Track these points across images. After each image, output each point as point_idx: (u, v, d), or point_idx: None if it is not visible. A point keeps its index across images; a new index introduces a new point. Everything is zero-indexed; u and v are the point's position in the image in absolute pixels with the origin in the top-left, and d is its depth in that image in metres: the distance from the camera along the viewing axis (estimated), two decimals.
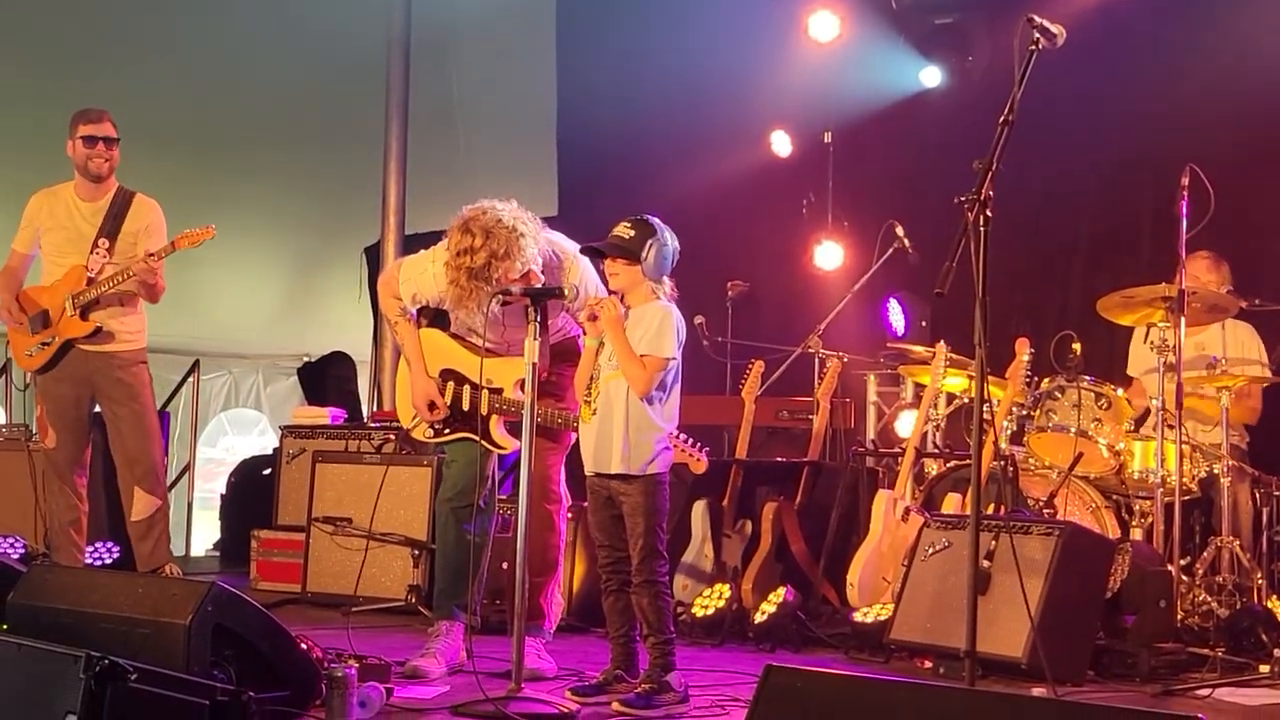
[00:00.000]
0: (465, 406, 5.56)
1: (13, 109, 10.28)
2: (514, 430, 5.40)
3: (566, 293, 5.08)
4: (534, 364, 4.83)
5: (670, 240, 5.00)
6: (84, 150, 6.85)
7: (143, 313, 6.96)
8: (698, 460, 5.19)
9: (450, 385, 5.60)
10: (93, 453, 7.05)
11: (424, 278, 5.49)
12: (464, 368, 5.58)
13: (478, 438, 5.46)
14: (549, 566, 5.59)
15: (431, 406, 5.56)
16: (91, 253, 6.82)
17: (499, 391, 5.50)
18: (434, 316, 5.77)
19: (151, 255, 6.68)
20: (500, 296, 5.14)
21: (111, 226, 6.87)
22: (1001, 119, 4.32)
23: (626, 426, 4.93)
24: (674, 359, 4.94)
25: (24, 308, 6.89)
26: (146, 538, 6.91)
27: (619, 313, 4.99)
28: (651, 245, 4.94)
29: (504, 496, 6.48)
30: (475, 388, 5.52)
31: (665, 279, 5.04)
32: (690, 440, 5.18)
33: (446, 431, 5.61)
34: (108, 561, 7.78)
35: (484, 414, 5.49)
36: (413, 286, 5.54)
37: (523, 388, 4.95)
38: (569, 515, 6.28)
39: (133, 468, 6.88)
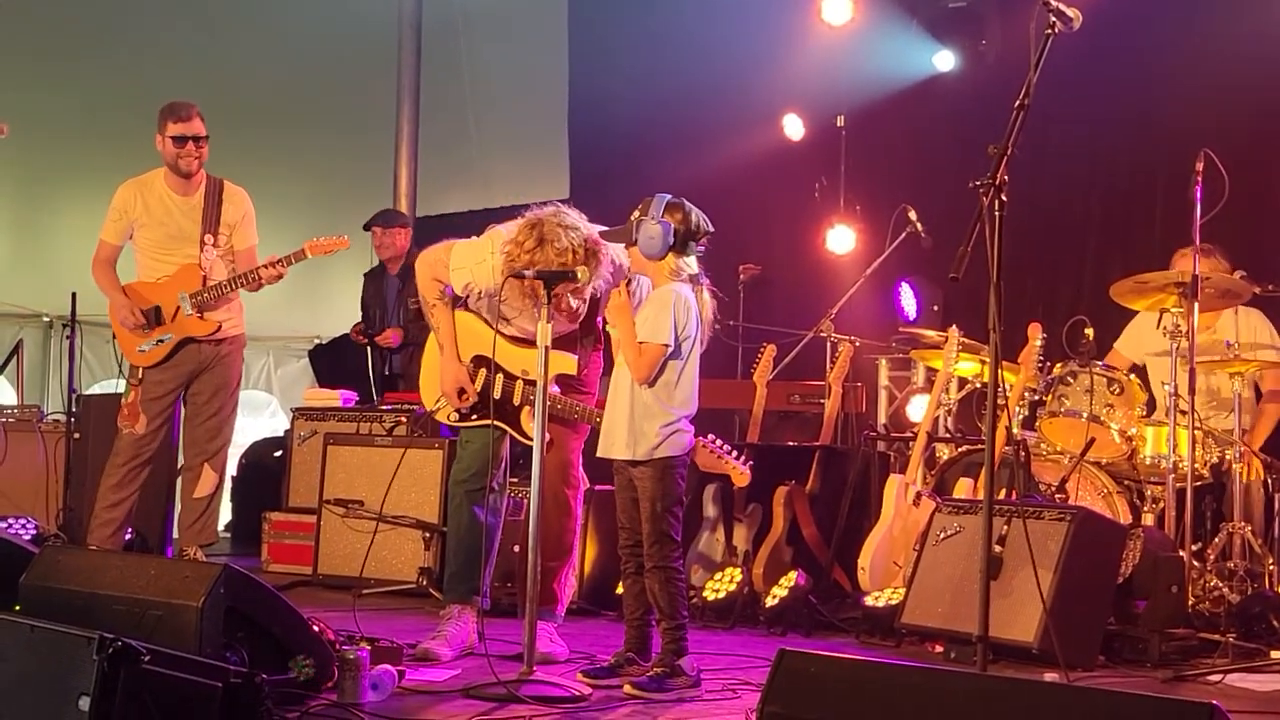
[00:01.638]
0: (496, 395, 5.48)
1: (22, 89, 10.27)
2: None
3: (579, 276, 4.98)
4: (547, 346, 4.79)
5: (667, 219, 4.88)
6: (174, 149, 6.86)
7: (240, 299, 7.03)
8: (740, 472, 5.17)
9: (482, 372, 5.52)
10: None
11: (482, 268, 5.35)
12: (499, 355, 5.47)
13: (506, 427, 5.43)
14: (564, 551, 5.56)
15: (461, 393, 5.49)
16: (201, 251, 6.88)
17: (533, 383, 5.34)
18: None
19: (280, 261, 6.74)
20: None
21: (212, 220, 6.93)
22: (1017, 103, 4.31)
23: (631, 413, 4.92)
24: (668, 344, 4.86)
25: (134, 304, 6.88)
26: (204, 515, 6.98)
27: (622, 300, 4.98)
28: (640, 225, 4.90)
29: (515, 480, 6.50)
30: (509, 376, 5.46)
31: (684, 257, 4.97)
32: (733, 450, 5.16)
33: (474, 417, 5.54)
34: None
35: (516, 404, 5.45)
36: (467, 276, 5.39)
37: (558, 382, 4.94)
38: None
39: (209, 444, 6.96)
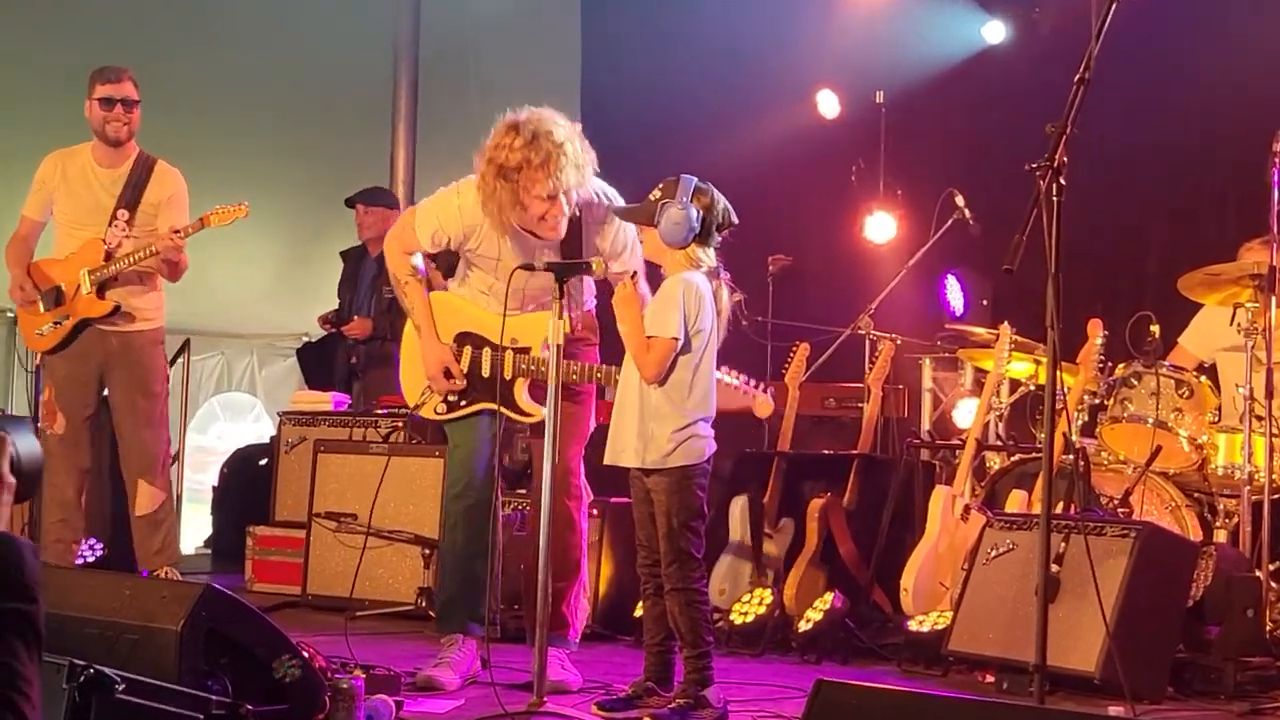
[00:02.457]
0: (485, 372, 5.47)
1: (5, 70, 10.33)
2: (541, 396, 5.18)
3: (595, 268, 5.02)
4: (559, 345, 4.80)
5: (694, 205, 4.88)
6: (100, 113, 6.90)
7: (161, 290, 7.03)
8: (761, 400, 5.15)
9: (467, 350, 5.51)
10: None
11: (448, 210, 5.42)
12: (482, 329, 5.49)
13: (499, 406, 5.36)
14: (571, 569, 5.55)
15: (448, 374, 5.49)
16: (110, 225, 6.88)
17: (525, 351, 5.40)
18: (447, 268, 5.77)
19: (177, 232, 6.71)
20: (519, 271, 5.09)
21: (131, 196, 6.93)
22: (1077, 77, 4.28)
23: (640, 415, 4.90)
24: (677, 338, 4.84)
25: (36, 282, 6.92)
26: (154, 535, 6.98)
27: (630, 291, 4.97)
28: (665, 208, 4.89)
29: (522, 492, 6.48)
30: (495, 349, 5.43)
31: (705, 247, 4.95)
32: (748, 379, 5.15)
33: (463, 404, 5.51)
34: (90, 560, 7.79)
35: (508, 378, 5.41)
36: (433, 224, 5.44)
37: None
38: (594, 512, 6.29)
39: (137, 458, 6.95)
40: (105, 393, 7.06)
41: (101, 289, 6.83)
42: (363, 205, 9.18)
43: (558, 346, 4.81)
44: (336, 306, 9.25)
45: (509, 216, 5.25)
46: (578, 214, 5.34)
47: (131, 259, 6.78)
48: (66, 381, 6.93)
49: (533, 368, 5.38)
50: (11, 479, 2.51)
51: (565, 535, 5.46)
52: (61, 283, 6.89)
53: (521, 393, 5.44)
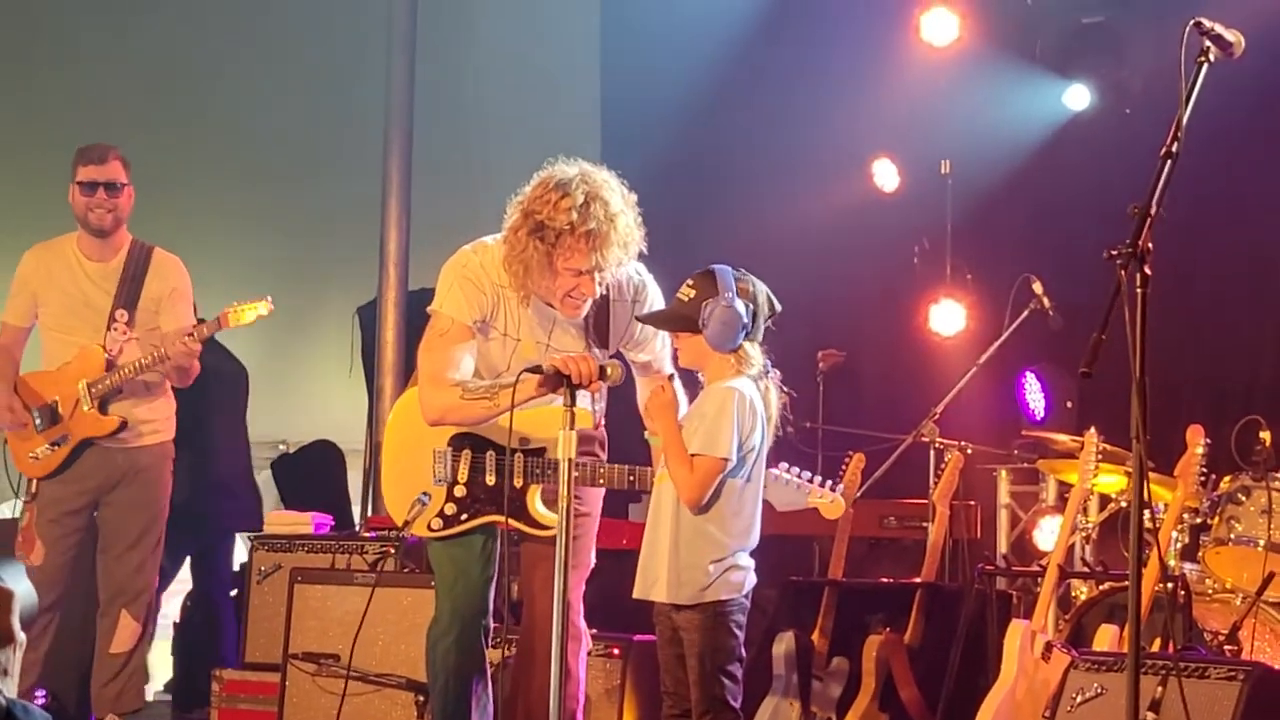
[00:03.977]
0: (490, 479, 5.42)
1: None
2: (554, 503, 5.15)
3: (610, 374, 5.00)
4: (570, 460, 4.76)
5: (753, 294, 4.99)
6: (82, 199, 6.94)
7: (171, 396, 7.05)
8: (830, 501, 5.16)
9: (466, 454, 5.47)
10: None
11: (469, 269, 5.36)
12: (483, 427, 5.42)
13: (508, 519, 5.35)
14: None
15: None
16: (109, 328, 6.90)
17: (539, 453, 5.35)
18: None
19: (191, 335, 6.71)
20: (526, 373, 5.06)
21: (129, 292, 6.95)
22: (1163, 151, 4.34)
23: (675, 543, 4.94)
24: (728, 459, 4.91)
25: (25, 400, 6.92)
26: (119, 676, 6.99)
27: (669, 398, 5.02)
28: (710, 308, 4.95)
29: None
30: (500, 451, 5.38)
31: (748, 346, 5.03)
32: (811, 475, 5.16)
33: (464, 518, 5.47)
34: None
35: (517, 485, 5.39)
36: (466, 290, 5.35)
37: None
38: (614, 652, 6.30)
39: (127, 588, 6.98)
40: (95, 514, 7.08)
41: (104, 403, 6.86)
42: None
43: (569, 460, 4.77)
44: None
45: (534, 281, 5.24)
46: (605, 292, 5.37)
47: (135, 367, 6.78)
48: (55, 507, 6.94)
49: (549, 472, 5.31)
50: (23, 635, 2.55)
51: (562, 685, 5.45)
52: (57, 398, 6.89)
53: (534, 501, 5.39)
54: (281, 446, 12.52)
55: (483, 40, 11.58)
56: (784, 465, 5.17)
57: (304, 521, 8.40)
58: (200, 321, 6.80)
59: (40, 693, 7.79)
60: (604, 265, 5.17)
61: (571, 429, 4.81)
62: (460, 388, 5.30)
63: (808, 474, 5.19)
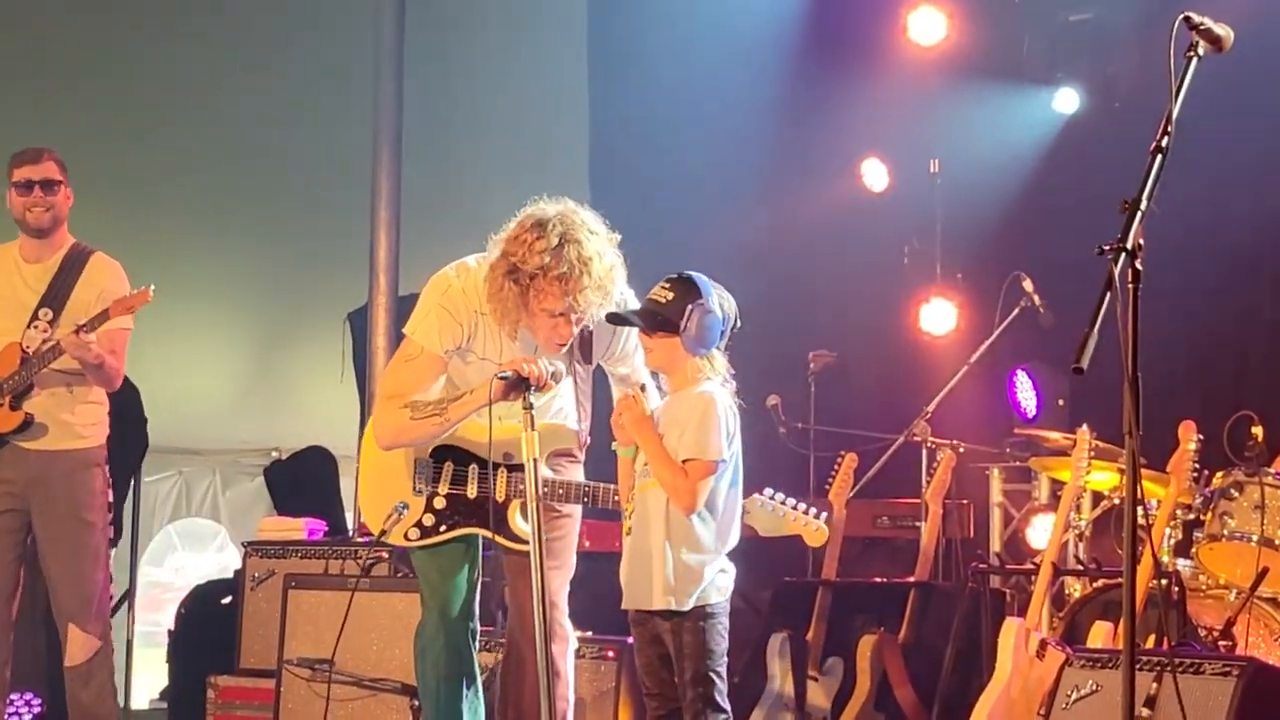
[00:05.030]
0: (472, 493, 5.44)
1: None
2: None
3: (558, 376, 5.07)
4: (535, 459, 4.82)
5: (721, 304, 5.03)
6: (19, 199, 6.91)
7: (102, 401, 7.00)
8: (816, 529, 5.16)
9: (448, 467, 5.49)
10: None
11: (449, 295, 5.33)
12: (466, 442, 5.43)
13: (492, 534, 5.37)
14: None
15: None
16: (29, 326, 6.89)
17: (522, 468, 5.24)
18: None
19: (82, 327, 6.70)
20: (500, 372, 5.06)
21: (58, 294, 6.90)
22: (1152, 146, 4.33)
23: (669, 550, 4.94)
24: (723, 461, 4.94)
25: None
26: (88, 686, 6.94)
27: (643, 409, 5.02)
28: (693, 311, 4.97)
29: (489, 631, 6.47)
30: (482, 464, 5.40)
31: (716, 354, 5.06)
32: (796, 502, 5.16)
33: (443, 529, 5.48)
34: (26, 718, 7.82)
35: (501, 499, 5.40)
36: (441, 319, 5.32)
37: (551, 459, 4.94)
38: (610, 654, 6.30)
39: (71, 599, 6.91)
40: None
41: (16, 400, 6.83)
42: None
43: (534, 460, 4.81)
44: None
45: (509, 320, 5.23)
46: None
47: (41, 361, 6.74)
48: None
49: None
50: None
51: (550, 686, 5.43)
52: None
53: (515, 516, 5.40)
54: (274, 453, 12.53)
55: (471, 45, 11.57)
56: (768, 491, 5.16)
57: (297, 527, 8.41)
58: (96, 316, 6.75)
59: (33, 698, 7.79)
60: (578, 308, 5.13)
61: (532, 429, 4.85)
62: (410, 409, 5.30)
63: (792, 500, 5.18)
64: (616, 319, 5.18)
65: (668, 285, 5.03)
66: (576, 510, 5.57)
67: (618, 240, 5.23)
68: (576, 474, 5.57)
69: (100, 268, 7.02)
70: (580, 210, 5.21)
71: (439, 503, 5.48)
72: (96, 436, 7.02)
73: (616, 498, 5.32)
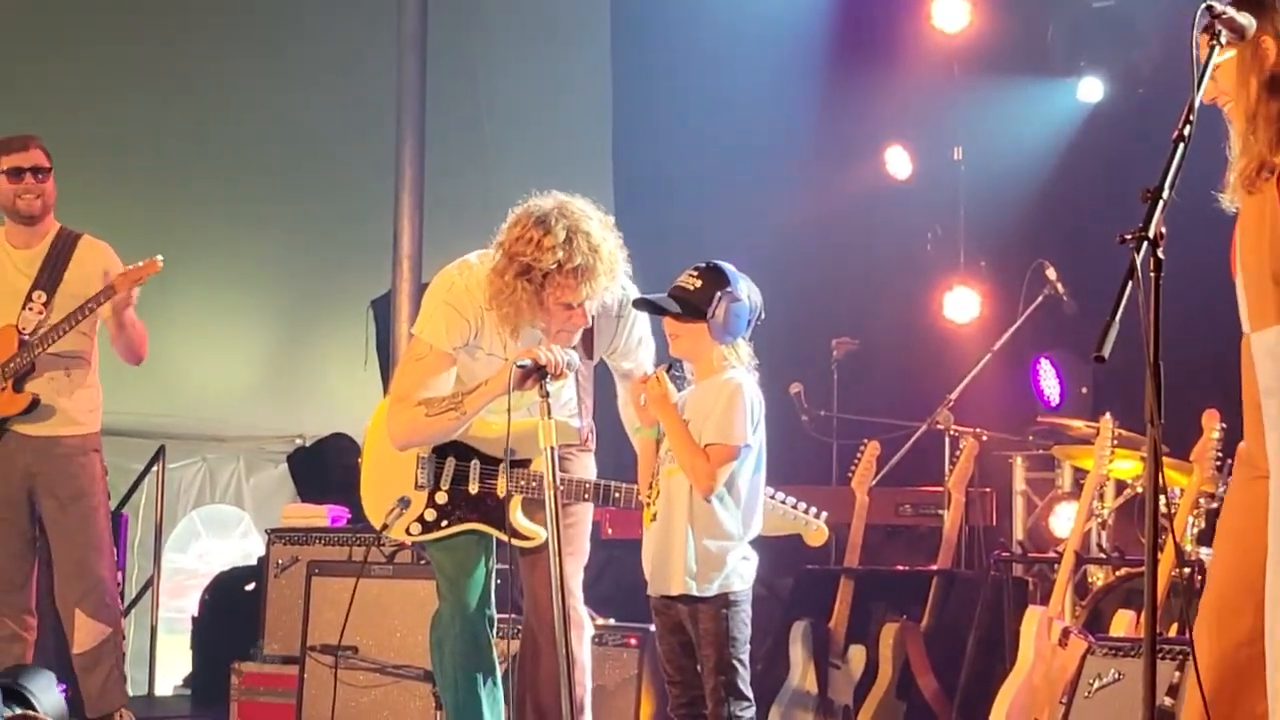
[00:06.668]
0: (473, 488, 5.45)
1: None
2: (535, 513, 5.28)
3: (572, 364, 5.09)
4: (552, 447, 4.86)
5: (749, 294, 5.05)
6: (9, 187, 6.97)
7: (97, 386, 7.05)
8: (816, 529, 5.18)
9: (450, 462, 5.49)
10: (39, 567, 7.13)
11: (454, 292, 5.32)
12: (469, 437, 5.44)
13: (490, 529, 5.40)
14: (574, 713, 5.50)
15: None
16: (24, 309, 6.94)
17: (525, 464, 5.37)
18: None
19: (84, 305, 6.76)
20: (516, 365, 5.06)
21: (50, 276, 6.98)
22: (1175, 134, 4.32)
23: (691, 535, 4.95)
24: (747, 446, 4.95)
25: None
26: (93, 673, 6.97)
27: (665, 390, 5.03)
28: (721, 299, 4.99)
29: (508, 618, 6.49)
30: (486, 461, 5.43)
31: (741, 343, 5.08)
32: (796, 502, 5.18)
33: (444, 524, 5.48)
34: None
35: (500, 495, 5.39)
36: (449, 316, 5.32)
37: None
38: (632, 642, 6.31)
39: (75, 585, 6.94)
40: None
41: (18, 382, 6.87)
42: None
43: (550, 449, 4.85)
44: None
45: (525, 320, 5.24)
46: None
47: (50, 338, 6.79)
48: None
49: (533, 485, 5.32)
50: None
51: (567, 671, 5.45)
52: None
53: (515, 512, 5.39)
54: (298, 440, 12.55)
55: (494, 33, 11.59)
56: (768, 490, 5.18)
57: (320, 514, 8.43)
58: (103, 290, 6.78)
59: (61, 686, 7.81)
60: (593, 295, 5.18)
61: (549, 418, 4.89)
62: (424, 406, 5.31)
63: (793, 500, 5.19)
64: (646, 305, 5.20)
65: (696, 273, 5.05)
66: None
67: (611, 222, 5.26)
68: (587, 463, 5.59)
69: (91, 248, 7.10)
70: (573, 199, 5.24)
71: (441, 498, 5.49)
72: (92, 422, 7.06)
73: (638, 497, 5.30)
